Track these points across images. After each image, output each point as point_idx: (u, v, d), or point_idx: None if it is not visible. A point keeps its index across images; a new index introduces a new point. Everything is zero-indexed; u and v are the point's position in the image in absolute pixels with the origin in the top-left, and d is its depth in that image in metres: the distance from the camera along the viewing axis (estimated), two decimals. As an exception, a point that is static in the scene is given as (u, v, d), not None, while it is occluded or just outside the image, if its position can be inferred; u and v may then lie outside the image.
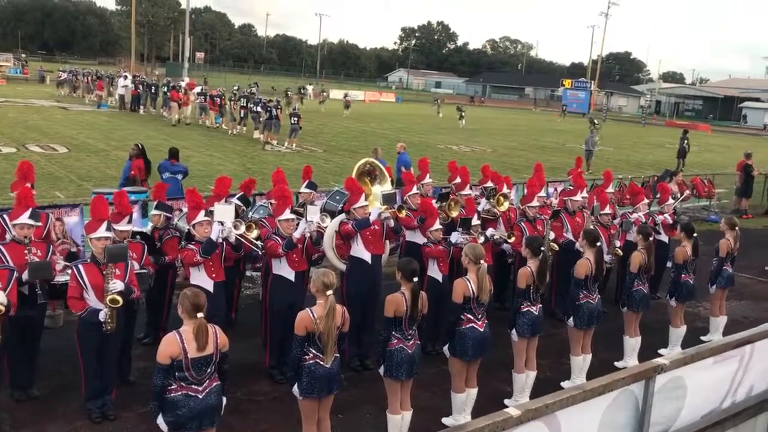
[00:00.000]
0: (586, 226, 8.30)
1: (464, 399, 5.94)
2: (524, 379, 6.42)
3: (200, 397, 4.42)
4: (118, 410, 5.84)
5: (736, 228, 8.44)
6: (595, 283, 6.84)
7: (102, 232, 5.69)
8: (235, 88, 33.95)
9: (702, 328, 8.80)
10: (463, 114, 39.82)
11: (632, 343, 7.52)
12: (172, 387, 4.39)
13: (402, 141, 18.23)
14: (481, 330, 5.79)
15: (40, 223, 6.30)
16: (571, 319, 6.79)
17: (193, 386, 4.40)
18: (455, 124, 39.15)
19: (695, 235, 7.98)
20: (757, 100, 77.64)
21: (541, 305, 6.44)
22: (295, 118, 24.48)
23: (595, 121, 39.01)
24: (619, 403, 4.13)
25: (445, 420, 6.05)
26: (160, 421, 4.42)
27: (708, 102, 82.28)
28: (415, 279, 5.33)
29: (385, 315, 5.31)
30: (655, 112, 75.60)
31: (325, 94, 48.28)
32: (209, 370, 4.46)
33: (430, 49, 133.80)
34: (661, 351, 7.73)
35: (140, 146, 12.06)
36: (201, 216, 6.39)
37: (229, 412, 5.29)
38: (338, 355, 5.01)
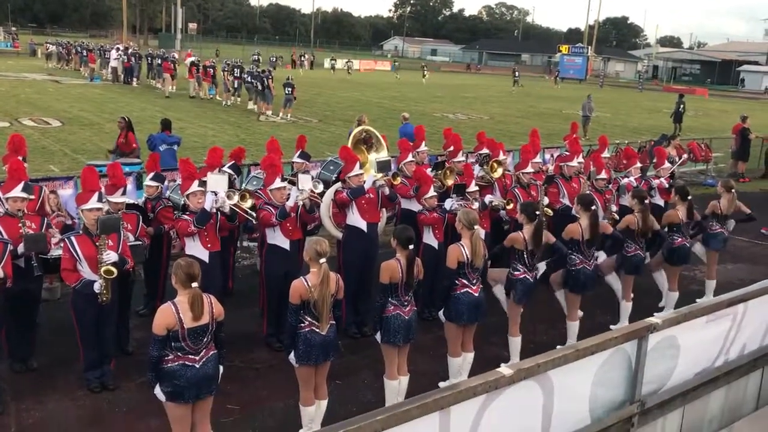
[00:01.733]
0: (582, 191, 8.29)
1: (460, 363, 5.99)
2: (520, 342, 6.47)
3: (197, 366, 4.43)
4: (117, 380, 5.89)
5: (733, 190, 8.43)
6: (590, 248, 6.85)
7: (93, 203, 5.65)
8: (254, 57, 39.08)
9: (698, 291, 8.83)
10: (426, 74, 49.26)
11: (630, 306, 7.56)
12: (169, 357, 4.40)
13: (398, 110, 18.06)
14: (476, 295, 5.81)
15: (32, 196, 6.27)
16: (567, 284, 6.81)
17: (189, 356, 4.41)
18: (422, 86, 44.37)
19: (690, 198, 7.97)
20: (756, 63, 76.96)
21: (537, 272, 6.45)
22: (289, 88, 24.24)
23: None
24: (612, 362, 4.16)
25: (441, 384, 6.10)
26: (158, 391, 4.45)
27: (706, 66, 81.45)
28: (411, 246, 5.34)
29: (381, 281, 5.34)
30: (652, 77, 74.94)
31: (334, 62, 57.84)
32: (205, 339, 4.48)
33: (425, 16, 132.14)
34: (656, 315, 7.77)
35: (127, 119, 12.00)
36: (195, 186, 6.37)
37: (227, 379, 5.34)
38: (334, 322, 5.04)
